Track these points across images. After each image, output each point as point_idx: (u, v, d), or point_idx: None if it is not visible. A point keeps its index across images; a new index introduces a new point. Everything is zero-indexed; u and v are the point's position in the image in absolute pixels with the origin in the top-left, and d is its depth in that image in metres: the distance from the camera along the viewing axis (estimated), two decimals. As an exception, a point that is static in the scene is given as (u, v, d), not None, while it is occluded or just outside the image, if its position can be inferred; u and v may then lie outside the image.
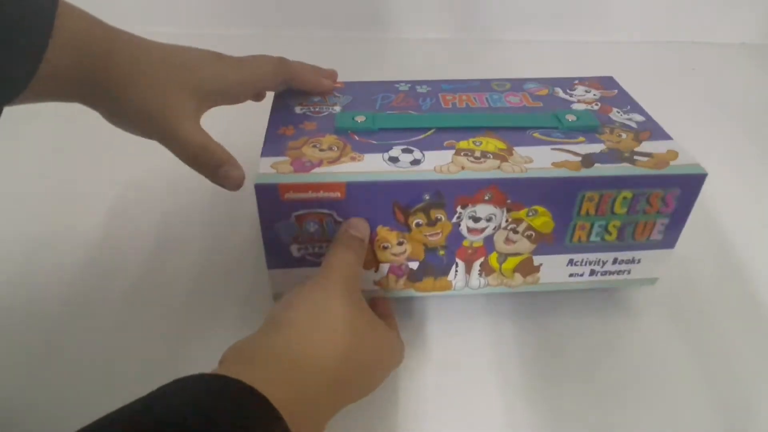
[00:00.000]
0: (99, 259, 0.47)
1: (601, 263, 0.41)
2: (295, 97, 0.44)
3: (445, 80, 0.48)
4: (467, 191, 0.36)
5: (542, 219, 0.38)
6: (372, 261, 0.39)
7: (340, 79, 0.46)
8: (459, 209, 0.37)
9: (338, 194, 0.35)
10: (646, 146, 0.39)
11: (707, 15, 0.71)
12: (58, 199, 0.52)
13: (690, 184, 0.37)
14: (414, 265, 0.40)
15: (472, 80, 0.48)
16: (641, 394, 0.38)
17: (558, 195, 0.36)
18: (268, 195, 0.35)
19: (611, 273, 0.42)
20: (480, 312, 0.44)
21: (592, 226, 0.38)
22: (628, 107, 0.44)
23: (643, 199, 0.37)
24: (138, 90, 0.34)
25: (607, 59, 0.69)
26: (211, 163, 0.35)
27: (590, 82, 0.48)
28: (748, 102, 0.65)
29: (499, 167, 0.36)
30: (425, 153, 0.37)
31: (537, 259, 0.40)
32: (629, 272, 0.42)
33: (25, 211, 0.51)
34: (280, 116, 0.42)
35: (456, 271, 0.40)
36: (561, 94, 0.46)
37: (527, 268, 0.41)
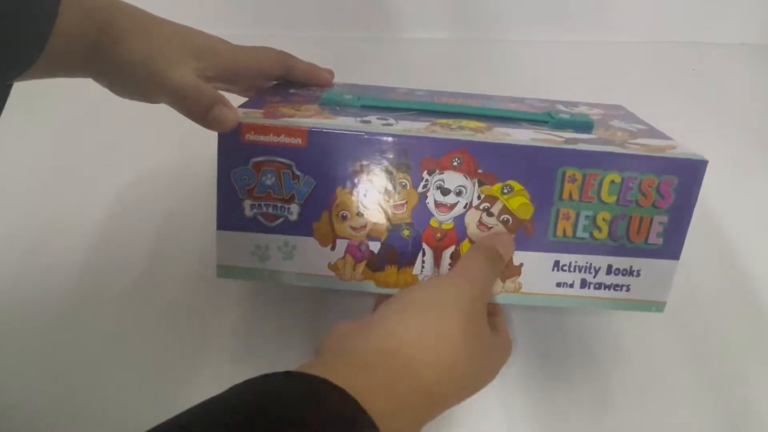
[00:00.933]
0: (99, 258, 0.46)
1: (593, 270, 0.35)
2: (291, 85, 0.45)
3: (444, 91, 0.48)
4: (434, 152, 0.33)
5: (519, 199, 0.34)
6: (329, 235, 0.35)
7: (340, 79, 0.47)
8: (425, 175, 0.34)
9: (299, 140, 0.34)
10: (642, 141, 0.36)
11: (707, 15, 0.71)
12: (58, 198, 0.52)
13: (688, 172, 0.33)
14: (375, 246, 0.35)
15: (473, 94, 0.48)
16: (641, 395, 0.38)
17: (535, 168, 0.33)
18: (229, 134, 0.34)
19: (607, 287, 0.36)
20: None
21: (577, 216, 0.34)
22: (632, 121, 0.42)
23: (634, 187, 0.33)
24: (140, 47, 0.34)
25: (607, 59, 0.69)
26: (203, 102, 0.33)
27: (594, 105, 0.47)
28: (748, 102, 0.63)
29: (473, 136, 0.34)
30: (400, 121, 0.36)
31: (517, 257, 0.35)
32: (628, 288, 0.36)
33: (25, 209, 0.51)
34: (271, 90, 0.42)
35: (423, 261, 0.36)
36: (561, 107, 0.45)
37: (506, 269, 0.35)
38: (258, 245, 0.36)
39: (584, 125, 0.38)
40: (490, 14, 0.69)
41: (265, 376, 0.24)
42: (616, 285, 0.35)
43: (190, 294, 0.44)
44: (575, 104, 0.47)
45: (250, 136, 0.34)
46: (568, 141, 0.34)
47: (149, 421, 0.35)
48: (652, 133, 0.39)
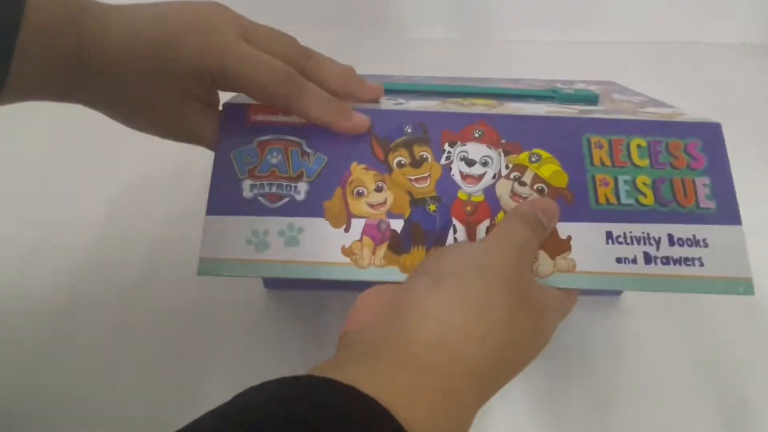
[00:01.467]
0: (99, 258, 0.45)
1: (653, 242, 0.30)
2: None
3: (440, 76, 0.47)
4: (453, 125, 0.32)
5: (550, 167, 0.31)
6: (342, 213, 0.30)
7: None
8: (447, 147, 0.32)
9: (310, 119, 0.32)
10: (651, 109, 0.36)
11: (707, 15, 0.71)
12: (58, 198, 0.51)
13: (708, 133, 0.32)
14: (398, 224, 0.30)
15: (470, 78, 0.47)
16: (640, 394, 0.37)
17: (558, 137, 0.32)
18: (233, 116, 0.32)
19: (676, 262, 0.30)
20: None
21: (616, 182, 0.31)
22: (631, 93, 0.43)
23: (662, 149, 0.32)
24: (125, 94, 0.30)
25: (607, 59, 0.68)
26: (282, 76, 0.29)
27: (590, 83, 0.47)
28: (748, 102, 0.62)
29: (488, 110, 0.33)
30: (411, 101, 0.35)
31: (563, 229, 0.30)
32: (701, 263, 0.30)
33: (25, 209, 0.50)
34: None
35: (455, 239, 0.30)
36: (561, 86, 0.45)
37: (553, 243, 0.30)
38: (256, 230, 0.29)
39: (590, 98, 0.38)
40: (490, 14, 0.72)
41: (280, 382, 0.20)
42: (687, 259, 0.30)
43: (190, 295, 0.42)
44: (572, 82, 0.48)
45: (257, 117, 0.32)
46: (582, 112, 0.34)
47: (149, 421, 0.33)
48: (656, 102, 0.39)
